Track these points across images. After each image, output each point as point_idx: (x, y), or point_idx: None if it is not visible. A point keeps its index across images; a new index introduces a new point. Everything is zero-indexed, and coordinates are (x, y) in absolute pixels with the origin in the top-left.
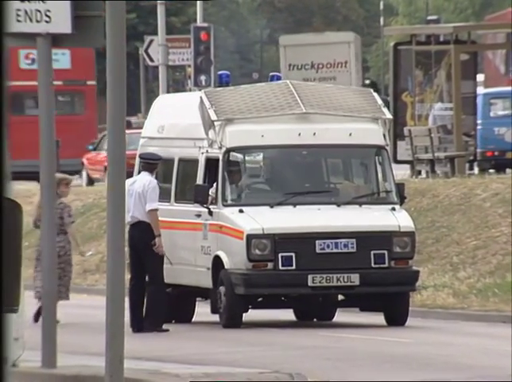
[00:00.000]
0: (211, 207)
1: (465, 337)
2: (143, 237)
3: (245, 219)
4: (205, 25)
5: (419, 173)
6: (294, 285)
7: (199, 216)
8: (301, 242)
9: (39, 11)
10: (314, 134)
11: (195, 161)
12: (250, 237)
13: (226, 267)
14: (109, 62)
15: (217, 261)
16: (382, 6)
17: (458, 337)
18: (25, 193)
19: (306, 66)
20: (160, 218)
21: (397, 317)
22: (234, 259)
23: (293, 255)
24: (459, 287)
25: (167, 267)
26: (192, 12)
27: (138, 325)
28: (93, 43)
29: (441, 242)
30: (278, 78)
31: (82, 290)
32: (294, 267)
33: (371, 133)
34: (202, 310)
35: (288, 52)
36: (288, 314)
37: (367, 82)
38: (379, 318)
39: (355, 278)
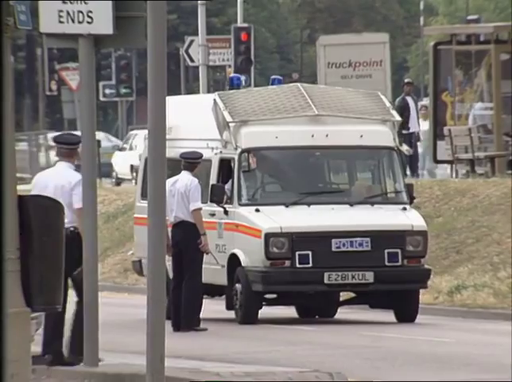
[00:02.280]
0: (226, 206)
1: (505, 337)
2: (186, 237)
3: (262, 218)
4: (245, 25)
5: (466, 172)
6: (311, 282)
7: (213, 215)
8: (318, 240)
9: (81, 12)
10: (326, 135)
11: (208, 162)
12: (268, 236)
13: (243, 264)
14: (150, 62)
15: (233, 259)
16: (422, 6)
17: (498, 337)
18: None
19: (344, 64)
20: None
21: (407, 315)
22: (252, 257)
23: (310, 253)
24: (499, 287)
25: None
26: (232, 12)
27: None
28: (134, 43)
29: (481, 242)
30: (279, 81)
31: (123, 288)
32: (311, 264)
33: (381, 135)
34: (217, 308)
35: (328, 51)
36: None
37: (408, 80)
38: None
39: (370, 276)
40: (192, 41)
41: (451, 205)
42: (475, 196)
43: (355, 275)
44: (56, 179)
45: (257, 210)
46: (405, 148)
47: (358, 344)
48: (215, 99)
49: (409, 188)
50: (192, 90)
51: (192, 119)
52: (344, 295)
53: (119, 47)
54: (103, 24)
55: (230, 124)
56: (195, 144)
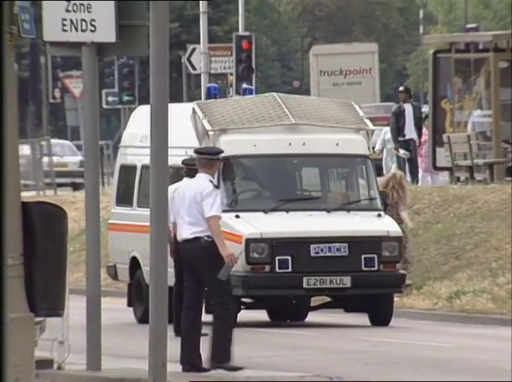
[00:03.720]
0: None
1: (504, 342)
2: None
3: (242, 224)
4: (247, 33)
5: (458, 179)
6: (290, 287)
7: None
8: (297, 246)
9: (84, 21)
10: (303, 143)
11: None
12: (248, 241)
13: None
14: (152, 70)
15: None
16: (421, 15)
17: (497, 342)
18: (70, 199)
19: (336, 72)
20: (144, 223)
21: (381, 318)
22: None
23: (289, 258)
24: (498, 293)
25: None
26: (233, 21)
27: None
28: (137, 52)
29: (480, 248)
30: (250, 91)
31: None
32: (290, 269)
33: (356, 143)
34: None
35: (320, 60)
36: (324, 318)
37: (401, 88)
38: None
39: (347, 281)
40: (193, 49)
41: (451, 211)
42: (474, 203)
43: (333, 280)
44: (192, 189)
45: (237, 216)
46: (401, 152)
47: (359, 349)
48: (193, 108)
49: (383, 195)
50: (194, 97)
51: (168, 128)
52: (315, 300)
53: (122, 55)
54: (106, 32)
55: (209, 132)
56: (173, 152)
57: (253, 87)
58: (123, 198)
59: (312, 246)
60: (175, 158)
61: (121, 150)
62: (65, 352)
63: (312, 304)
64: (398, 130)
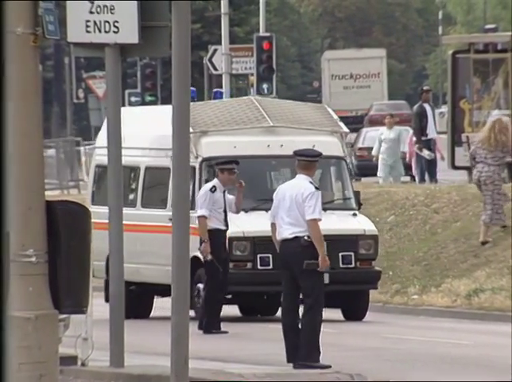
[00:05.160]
0: None
1: None
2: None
3: None
4: (267, 34)
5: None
6: (271, 283)
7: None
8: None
9: (107, 22)
10: (281, 145)
11: (166, 170)
12: (231, 239)
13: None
14: (174, 71)
15: (194, 261)
16: (440, 16)
17: None
18: None
19: (346, 76)
20: (126, 222)
21: (357, 313)
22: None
23: (270, 256)
24: None
25: (131, 267)
26: (254, 22)
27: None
28: (159, 52)
29: (499, 246)
30: (221, 94)
31: None
32: (271, 266)
33: (332, 145)
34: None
35: (332, 64)
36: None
37: (426, 88)
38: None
39: (325, 277)
40: (215, 50)
41: (469, 210)
42: None
43: None
44: (292, 190)
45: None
46: (426, 153)
47: (378, 346)
48: None
49: (357, 195)
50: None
51: (148, 129)
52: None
53: (144, 56)
54: (129, 33)
55: (190, 134)
56: (154, 153)
57: (223, 91)
58: (99, 197)
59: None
60: (154, 159)
61: (96, 150)
62: (89, 348)
63: None
64: (421, 130)
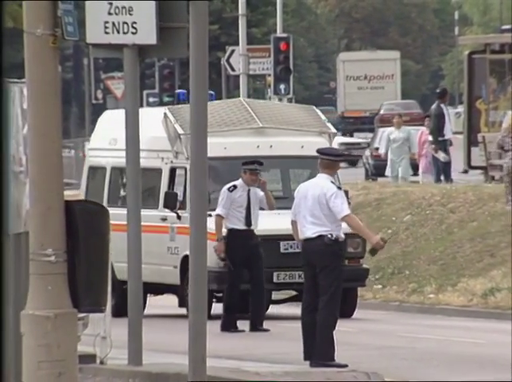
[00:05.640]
0: (179, 212)
1: None
2: None
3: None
4: (285, 35)
5: (492, 178)
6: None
7: (164, 219)
8: (267, 243)
9: (126, 23)
10: (271, 146)
11: (157, 171)
12: (222, 239)
13: None
14: (192, 72)
15: (186, 260)
16: (456, 16)
17: None
18: None
19: (360, 77)
20: (115, 222)
21: (345, 311)
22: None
23: None
24: None
25: (124, 266)
26: (271, 23)
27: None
28: (177, 53)
29: None
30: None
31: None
32: None
33: (320, 145)
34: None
35: (346, 66)
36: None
37: (442, 89)
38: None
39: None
40: (232, 51)
41: (485, 210)
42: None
43: (302, 275)
44: (313, 189)
45: (210, 215)
46: (441, 155)
47: (395, 345)
48: (165, 113)
49: (345, 193)
50: (233, 98)
51: (141, 131)
52: (279, 294)
53: (162, 57)
54: (147, 34)
55: (181, 136)
56: (145, 154)
57: (213, 93)
58: (92, 198)
59: (281, 243)
60: (146, 160)
61: (89, 152)
62: (107, 347)
63: (280, 298)
64: (439, 130)
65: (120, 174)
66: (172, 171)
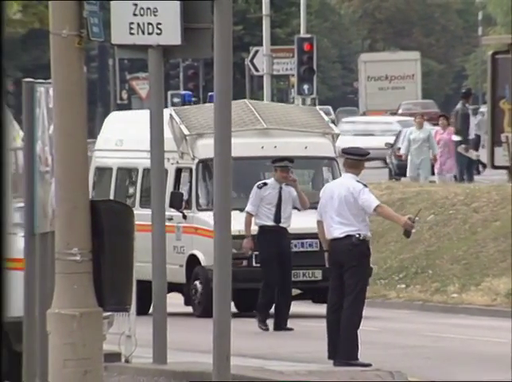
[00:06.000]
0: (184, 211)
1: None
2: None
3: None
4: (308, 35)
5: None
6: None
7: (170, 219)
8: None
9: (151, 24)
10: (275, 147)
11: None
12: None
13: (202, 264)
14: (216, 72)
15: (192, 259)
16: (480, 16)
17: None
18: None
19: (381, 78)
20: None
21: None
22: (211, 257)
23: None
24: None
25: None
26: (295, 23)
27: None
28: (201, 54)
29: None
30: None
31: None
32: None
33: (323, 146)
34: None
35: (368, 66)
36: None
37: (463, 90)
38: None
39: (318, 274)
40: (256, 51)
41: (509, 210)
42: None
43: (306, 273)
44: (339, 189)
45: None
46: (474, 153)
47: (419, 345)
48: (170, 114)
49: None
50: (257, 98)
51: (146, 133)
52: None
53: (187, 57)
54: (172, 35)
55: (187, 137)
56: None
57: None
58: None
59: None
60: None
61: (96, 153)
62: (132, 345)
63: None
64: (466, 130)
65: (126, 175)
66: (178, 171)
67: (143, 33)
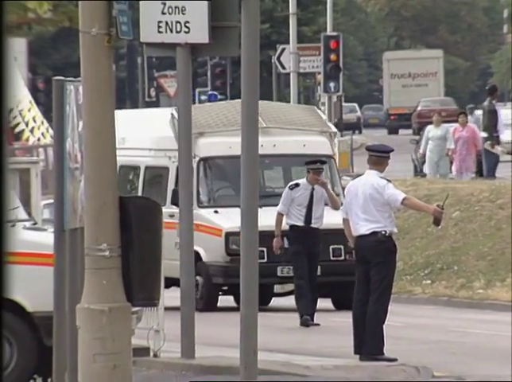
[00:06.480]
0: None
1: None
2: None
3: (222, 218)
4: (335, 33)
5: None
6: (265, 275)
7: (172, 216)
8: (272, 238)
9: (179, 23)
10: (274, 145)
11: (165, 169)
12: (228, 234)
13: (203, 260)
14: (243, 70)
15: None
16: (505, 14)
17: None
18: None
19: (405, 75)
20: None
21: (346, 303)
22: (212, 253)
23: (265, 249)
24: None
25: None
26: (322, 21)
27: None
28: (229, 52)
29: None
30: (215, 96)
31: None
32: (266, 259)
33: (321, 144)
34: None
35: (391, 64)
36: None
37: (487, 87)
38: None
39: (317, 269)
40: (283, 49)
41: None
42: None
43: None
44: (364, 187)
45: (216, 211)
46: (499, 149)
47: (444, 340)
48: (172, 114)
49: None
50: (283, 96)
51: (148, 131)
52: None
53: (214, 55)
54: (200, 33)
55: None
56: (153, 153)
57: (217, 93)
58: None
59: (285, 238)
60: (154, 159)
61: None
62: (161, 340)
63: (281, 291)
64: (493, 126)
65: (128, 172)
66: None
67: (171, 31)
